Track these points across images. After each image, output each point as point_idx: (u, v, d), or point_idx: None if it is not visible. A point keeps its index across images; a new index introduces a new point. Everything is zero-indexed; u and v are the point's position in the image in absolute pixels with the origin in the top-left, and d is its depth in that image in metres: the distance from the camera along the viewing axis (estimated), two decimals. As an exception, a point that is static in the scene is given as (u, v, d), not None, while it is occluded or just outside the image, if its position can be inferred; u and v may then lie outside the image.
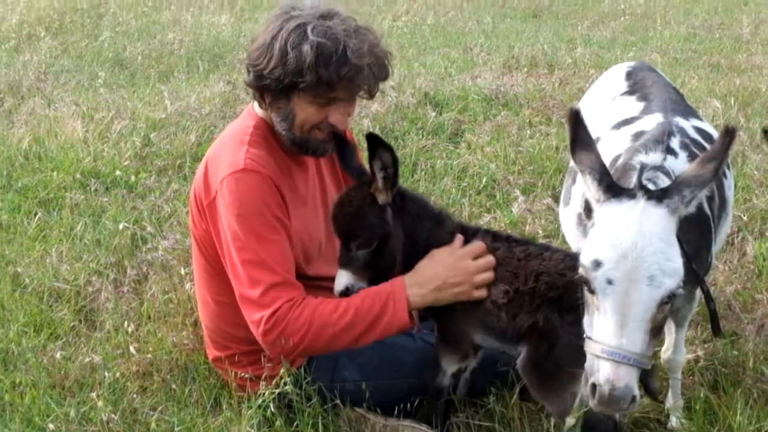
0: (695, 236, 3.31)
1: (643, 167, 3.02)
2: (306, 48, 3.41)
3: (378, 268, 3.51)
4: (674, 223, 2.84)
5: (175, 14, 13.90)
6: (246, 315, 3.53)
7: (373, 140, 3.32)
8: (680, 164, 3.39)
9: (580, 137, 3.04)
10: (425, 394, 3.75)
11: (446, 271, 3.46)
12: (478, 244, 3.54)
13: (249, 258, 3.48)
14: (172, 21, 13.38)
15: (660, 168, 3.20)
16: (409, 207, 3.54)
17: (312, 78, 3.42)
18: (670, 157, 3.38)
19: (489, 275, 3.46)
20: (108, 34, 12.09)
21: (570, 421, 3.28)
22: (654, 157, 3.29)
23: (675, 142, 3.53)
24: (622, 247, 2.76)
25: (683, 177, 2.91)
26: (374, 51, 3.52)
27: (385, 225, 3.46)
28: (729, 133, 2.84)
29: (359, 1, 15.52)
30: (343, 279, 3.50)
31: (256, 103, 3.78)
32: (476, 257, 3.50)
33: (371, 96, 3.71)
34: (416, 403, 3.79)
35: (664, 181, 3.10)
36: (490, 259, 3.50)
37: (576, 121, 3.04)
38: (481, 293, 3.45)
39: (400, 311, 3.45)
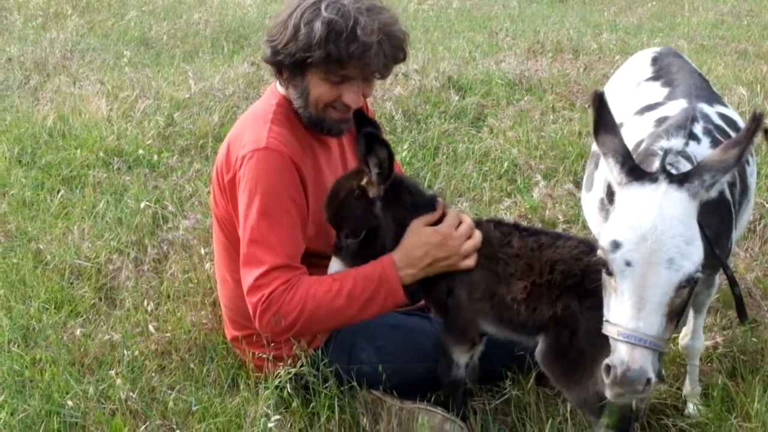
0: (716, 221, 3.29)
1: (666, 152, 3.00)
2: (317, 24, 3.44)
3: (367, 257, 3.53)
4: (695, 208, 2.83)
5: (202, -6, 13.92)
6: (246, 293, 3.55)
7: (369, 138, 3.34)
8: (703, 150, 3.38)
9: (603, 120, 3.04)
10: (441, 389, 3.77)
11: (435, 250, 3.50)
12: (453, 213, 3.62)
13: (256, 237, 3.51)
14: (198, 1, 13.38)
15: (681, 153, 3.19)
16: (404, 197, 3.56)
17: (321, 54, 3.44)
18: (692, 143, 3.37)
19: (475, 241, 3.51)
20: (134, 13, 12.11)
21: (603, 421, 3.26)
22: (675, 142, 3.27)
23: (698, 128, 3.51)
24: (642, 230, 2.76)
25: (705, 161, 2.90)
26: (386, 29, 3.52)
27: (373, 218, 3.49)
28: (755, 119, 2.83)
29: (385, -16, 15.45)
30: (333, 266, 3.57)
31: (278, 83, 3.80)
32: (457, 226, 3.56)
33: (383, 76, 3.71)
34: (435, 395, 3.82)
35: (686, 166, 3.09)
36: (468, 222, 3.57)
37: (600, 104, 3.03)
38: (470, 262, 3.49)
39: (394, 291, 3.49)
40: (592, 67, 9.48)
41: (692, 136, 3.43)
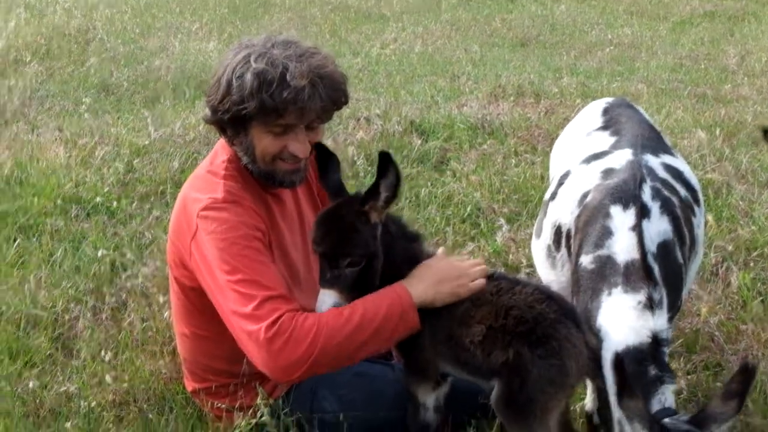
0: (670, 288, 3.42)
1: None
2: (248, 76, 3.41)
3: (359, 289, 3.43)
4: None
5: (163, 40, 13.85)
6: (238, 330, 3.33)
7: (386, 158, 3.28)
8: (654, 225, 3.50)
9: (626, 385, 3.10)
10: None
11: (443, 268, 3.46)
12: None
13: (239, 278, 3.36)
14: (159, 47, 13.32)
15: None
16: (390, 226, 3.51)
17: (255, 104, 3.40)
18: (644, 222, 3.47)
19: (482, 268, 3.50)
20: (95, 59, 12.00)
21: None
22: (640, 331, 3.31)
23: (647, 195, 3.59)
24: None
25: (709, 412, 3.00)
26: (318, 71, 3.47)
27: (375, 243, 3.41)
28: (749, 372, 2.96)
29: (348, 30, 15.54)
30: (328, 299, 3.37)
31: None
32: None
33: (323, 120, 3.65)
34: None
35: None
36: (475, 260, 3.61)
37: (621, 368, 3.12)
38: (478, 284, 3.43)
39: (408, 307, 3.36)
40: (553, 110, 9.52)
41: (644, 212, 3.51)
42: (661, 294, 3.35)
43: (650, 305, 3.31)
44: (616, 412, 3.23)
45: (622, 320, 3.32)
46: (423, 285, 3.41)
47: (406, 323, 3.38)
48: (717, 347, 4.65)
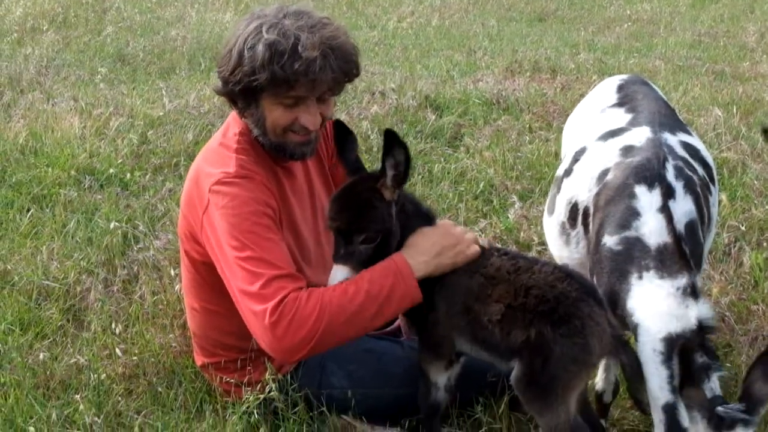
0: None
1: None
2: (260, 47, 3.40)
3: (371, 265, 3.44)
4: None
5: (180, 10, 13.84)
6: (245, 310, 3.37)
7: (390, 137, 3.29)
8: (680, 206, 3.49)
9: (688, 374, 3.16)
10: (419, 413, 3.71)
11: (441, 238, 3.47)
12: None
13: (247, 255, 3.37)
14: (176, 17, 13.31)
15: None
16: (407, 205, 3.52)
17: (266, 76, 3.39)
18: (670, 201, 3.45)
19: (474, 234, 3.54)
20: (111, 28, 12.01)
21: None
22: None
23: (670, 174, 3.57)
24: None
25: (757, 397, 3.10)
26: (330, 43, 3.45)
27: (391, 221, 3.42)
28: None
29: (365, 2, 15.48)
30: (340, 275, 3.39)
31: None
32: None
33: (335, 93, 3.63)
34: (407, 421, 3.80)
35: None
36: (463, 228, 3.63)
37: (684, 357, 3.18)
38: (476, 248, 3.46)
39: (409, 285, 3.37)
40: (570, 86, 9.47)
41: (669, 192, 3.49)
42: (699, 279, 3.35)
43: (693, 291, 3.30)
44: (665, 396, 3.23)
45: (661, 307, 3.30)
46: (423, 258, 3.42)
47: (408, 299, 3.41)
48: (728, 328, 4.64)
